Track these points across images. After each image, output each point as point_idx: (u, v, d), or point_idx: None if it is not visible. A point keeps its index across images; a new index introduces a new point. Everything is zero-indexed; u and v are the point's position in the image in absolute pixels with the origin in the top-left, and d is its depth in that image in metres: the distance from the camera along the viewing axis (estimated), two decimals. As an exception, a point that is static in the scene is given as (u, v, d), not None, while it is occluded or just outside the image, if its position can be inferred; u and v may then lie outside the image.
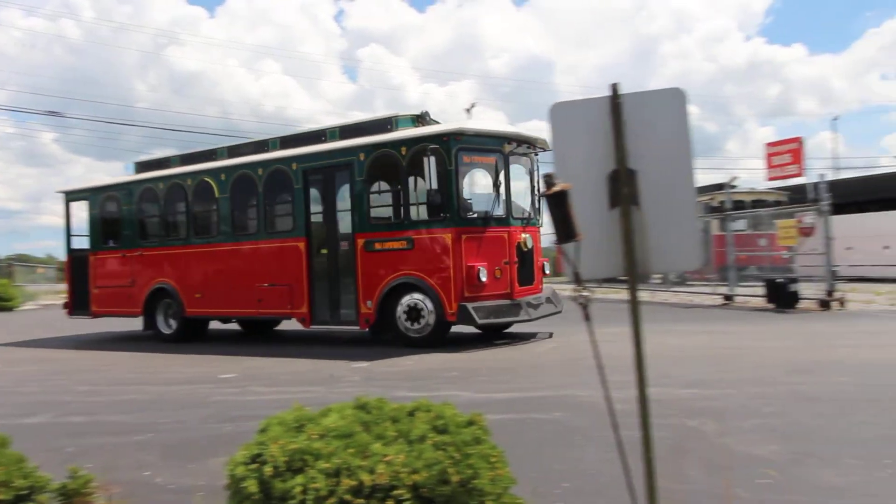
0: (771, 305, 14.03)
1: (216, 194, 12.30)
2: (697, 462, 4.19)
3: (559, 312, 10.83)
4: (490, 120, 11.31)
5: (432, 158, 9.55)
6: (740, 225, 17.83)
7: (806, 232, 14.12)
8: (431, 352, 9.55)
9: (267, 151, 12.23)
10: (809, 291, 13.78)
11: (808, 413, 5.37)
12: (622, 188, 2.64)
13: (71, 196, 14.74)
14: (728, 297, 15.86)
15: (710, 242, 18.14)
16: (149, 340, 13.01)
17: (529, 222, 10.81)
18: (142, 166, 14.35)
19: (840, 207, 17.13)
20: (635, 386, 2.67)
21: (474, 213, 10.16)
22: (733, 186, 17.99)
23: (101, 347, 12.53)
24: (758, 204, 21.05)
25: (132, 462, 4.76)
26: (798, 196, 18.39)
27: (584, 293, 2.58)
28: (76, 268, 14.37)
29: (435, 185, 9.60)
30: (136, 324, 13.88)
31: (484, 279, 9.74)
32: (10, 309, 24.08)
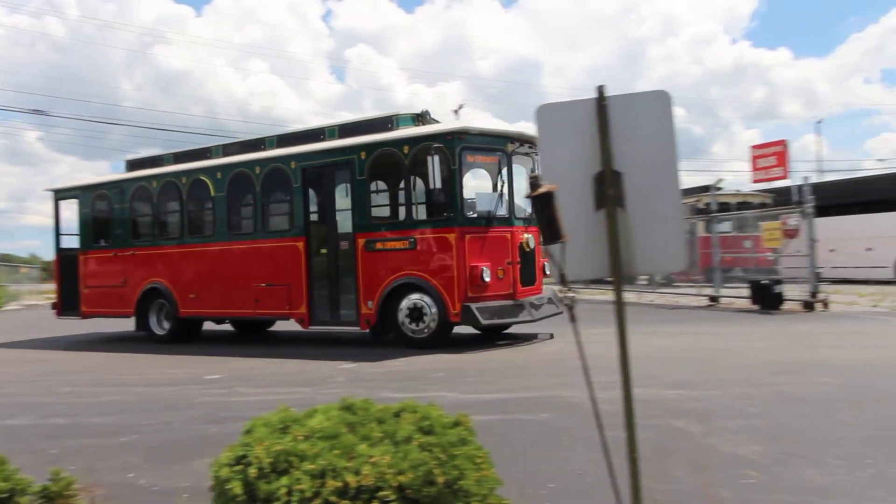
0: (756, 307, 14.14)
1: (212, 193, 12.13)
2: (682, 462, 4.21)
3: (561, 313, 10.74)
4: (488, 120, 11.23)
5: (436, 157, 9.47)
6: (726, 227, 17.94)
7: (790, 234, 14.24)
8: (427, 352, 9.51)
9: (263, 150, 12.08)
10: (793, 293, 13.90)
11: (792, 413, 5.41)
12: (608, 190, 2.65)
13: (60, 194, 14.49)
14: (713, 299, 15.97)
15: (696, 244, 18.25)
16: (135, 341, 12.91)
17: (531, 222, 10.78)
18: (133, 164, 14.11)
19: (824, 210, 17.28)
20: (621, 387, 2.69)
21: (477, 212, 10.09)
22: (719, 188, 18.12)
23: (86, 348, 12.41)
24: (743, 206, 21.21)
25: (116, 464, 4.72)
26: (783, 198, 18.55)
27: (570, 294, 2.59)
28: (65, 267, 14.13)
29: (438, 185, 9.54)
30: (123, 325, 13.80)
31: (487, 279, 9.68)
32: (-8, 309, 23.81)
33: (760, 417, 5.28)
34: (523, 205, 10.72)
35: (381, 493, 2.32)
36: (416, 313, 9.96)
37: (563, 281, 2.59)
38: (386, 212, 11.38)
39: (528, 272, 10.46)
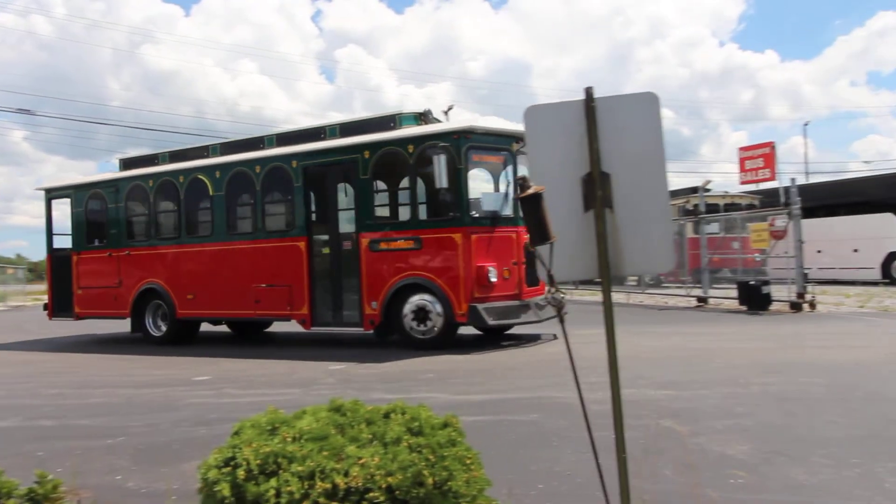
0: (743, 307, 14.23)
1: (210, 192, 11.94)
2: (671, 462, 4.23)
3: (567, 313, 10.61)
4: (494, 119, 11.12)
5: (442, 157, 9.36)
6: (714, 228, 18.03)
7: (778, 235, 14.33)
8: (420, 353, 9.48)
9: (262, 149, 11.90)
10: (781, 293, 13.99)
11: (780, 413, 5.45)
12: (596, 191, 2.66)
13: (52, 193, 14.20)
14: (702, 300, 16.05)
15: (685, 245, 18.34)
16: (126, 343, 12.83)
17: None
18: (127, 163, 13.84)
19: (811, 211, 17.44)
20: (609, 387, 2.70)
21: (483, 212, 10.00)
22: (707, 190, 18.23)
23: (74, 350, 12.31)
24: (731, 207, 21.32)
25: (103, 466, 4.69)
26: (770, 200, 18.67)
27: (558, 295, 2.60)
28: (58, 268, 13.89)
29: (444, 184, 9.43)
30: (115, 326, 13.65)
31: (494, 280, 9.61)
32: (-22, 311, 23.58)
33: (748, 417, 5.32)
34: None
35: (370, 495, 2.32)
36: (422, 314, 9.86)
37: (551, 282, 2.60)
38: (390, 211, 11.22)
39: (533, 272, 10.43)
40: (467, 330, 10.74)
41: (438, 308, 9.76)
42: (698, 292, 16.40)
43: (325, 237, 11.03)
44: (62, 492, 3.40)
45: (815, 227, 18.91)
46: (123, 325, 13.19)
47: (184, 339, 12.43)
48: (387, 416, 2.72)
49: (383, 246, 10.22)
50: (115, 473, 4.51)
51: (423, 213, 10.26)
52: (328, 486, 2.34)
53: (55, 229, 14.23)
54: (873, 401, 5.82)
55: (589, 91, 2.68)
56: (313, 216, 11.18)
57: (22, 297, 30.84)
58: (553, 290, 2.61)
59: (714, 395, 6.13)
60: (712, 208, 19.62)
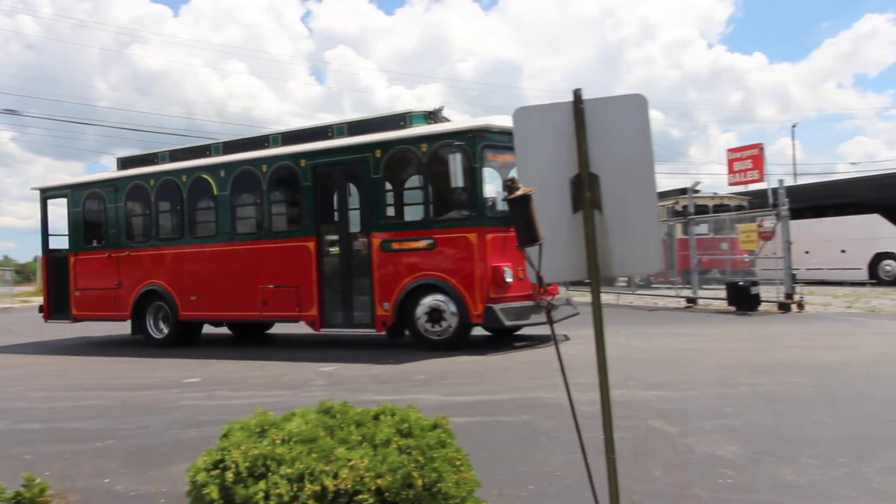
0: (732, 308, 14.30)
1: (215, 192, 11.71)
2: (660, 462, 4.24)
3: (577, 314, 10.46)
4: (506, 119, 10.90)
5: (457, 156, 9.25)
6: (703, 229, 18.13)
7: (766, 236, 14.41)
8: (414, 355, 9.47)
9: (267, 147, 11.70)
10: (769, 294, 14.08)
11: (768, 413, 5.48)
12: (585, 192, 2.67)
13: (48, 193, 13.86)
14: (691, 300, 16.12)
15: (674, 246, 18.43)
16: (119, 345, 12.76)
17: None
18: (126, 163, 13.52)
19: (799, 212, 17.54)
20: (598, 388, 2.71)
21: (498, 212, 9.84)
22: (696, 191, 18.31)
23: (65, 353, 12.21)
24: (720, 208, 21.45)
25: (91, 469, 4.66)
26: (759, 201, 18.78)
27: (542, 302, 2.61)
28: (54, 269, 13.57)
29: (459, 183, 9.33)
30: (107, 329, 13.53)
31: (509, 280, 9.51)
32: (-36, 313, 23.39)
33: (737, 417, 5.35)
34: None
35: (359, 497, 2.32)
36: (436, 315, 9.76)
37: (539, 283, 2.60)
38: (402, 211, 11.08)
39: None
40: (477, 331, 10.65)
41: (453, 308, 9.65)
42: (688, 293, 16.47)
43: (335, 237, 10.89)
44: (50, 495, 3.38)
45: (804, 228, 19.03)
46: (119, 328, 13.04)
47: (186, 341, 12.19)
48: (376, 417, 2.72)
49: (395, 246, 10.08)
50: (104, 476, 4.48)
51: (436, 212, 10.08)
52: (317, 488, 2.34)
53: (51, 230, 13.88)
54: (861, 401, 5.86)
55: (577, 93, 2.69)
56: (323, 216, 11.01)
57: (9, 299, 30.60)
58: (542, 294, 2.61)
59: (703, 396, 6.16)
60: (701, 209, 19.73)
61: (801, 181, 34.38)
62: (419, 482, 2.37)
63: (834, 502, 3.58)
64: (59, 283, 13.45)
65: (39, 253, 14.04)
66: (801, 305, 13.70)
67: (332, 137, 11.13)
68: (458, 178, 9.30)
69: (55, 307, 13.58)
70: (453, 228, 9.73)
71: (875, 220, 20.41)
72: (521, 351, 9.81)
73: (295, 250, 10.89)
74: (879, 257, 20.52)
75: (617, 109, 2.69)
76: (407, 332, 10.22)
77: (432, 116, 10.86)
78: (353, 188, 10.97)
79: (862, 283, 20.43)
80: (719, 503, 3.58)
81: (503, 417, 5.65)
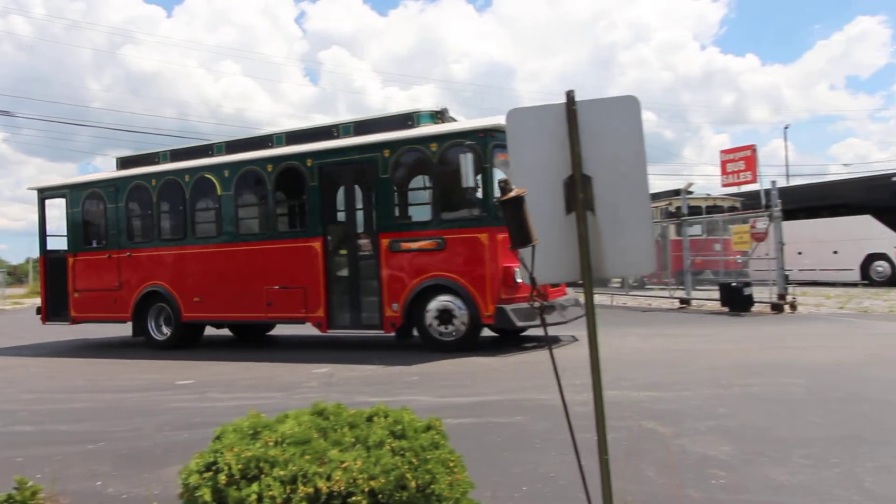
0: (725, 309, 14.34)
1: (219, 192, 11.57)
2: (653, 463, 4.25)
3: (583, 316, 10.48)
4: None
5: (468, 156, 9.15)
6: (696, 230, 18.20)
7: (759, 237, 14.47)
8: (408, 356, 9.48)
9: (271, 147, 11.59)
10: (762, 295, 14.13)
11: (761, 414, 5.50)
12: (578, 194, 2.67)
13: (46, 193, 13.64)
14: (684, 301, 16.17)
15: (668, 247, 18.49)
16: (115, 347, 12.69)
17: None
18: (125, 162, 13.39)
19: (791, 213, 17.63)
20: (592, 389, 2.71)
21: None
22: (689, 192, 18.39)
23: (55, 354, 12.15)
24: (713, 210, 21.53)
25: (83, 472, 4.63)
26: (751, 202, 18.87)
27: (535, 304, 2.61)
28: (52, 271, 13.37)
29: (471, 183, 9.25)
30: (104, 330, 13.44)
31: (520, 280, 9.41)
32: (-45, 315, 23.25)
33: (730, 418, 5.36)
34: None
35: (352, 499, 2.32)
36: (446, 315, 9.73)
37: (532, 284, 2.60)
38: (411, 211, 10.97)
39: None
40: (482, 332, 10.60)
41: (463, 309, 9.63)
42: (681, 294, 16.52)
43: (342, 238, 10.80)
44: (41, 498, 3.36)
45: (796, 229, 19.14)
46: (116, 330, 12.90)
47: (188, 343, 12.07)
48: (370, 419, 2.72)
49: (404, 246, 10.03)
50: (96, 479, 4.46)
51: (445, 212, 10.02)
52: (310, 490, 2.33)
53: (49, 230, 13.64)
54: (853, 401, 5.88)
55: (570, 94, 2.69)
56: (329, 216, 10.94)
57: (0, 301, 30.44)
58: (534, 297, 2.61)
59: (696, 397, 6.18)
60: (695, 210, 19.81)
61: (794, 182, 34.62)
62: (412, 484, 2.37)
63: (826, 502, 3.60)
64: (57, 285, 13.26)
65: (31, 254, 14.01)
66: (793, 306, 13.76)
67: (337, 137, 11.07)
68: (468, 178, 9.21)
69: (53, 309, 13.41)
70: (464, 229, 9.69)
71: (867, 222, 20.52)
72: (530, 352, 9.79)
73: (301, 251, 10.81)
74: (871, 258, 20.64)
75: (610, 111, 2.70)
76: (416, 333, 10.18)
77: (439, 116, 10.84)
78: (360, 188, 10.92)
79: (854, 284, 20.55)
80: (712, 503, 3.60)
81: (497, 419, 5.65)
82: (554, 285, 10.13)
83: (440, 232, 9.85)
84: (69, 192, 13.30)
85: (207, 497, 2.39)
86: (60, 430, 6.05)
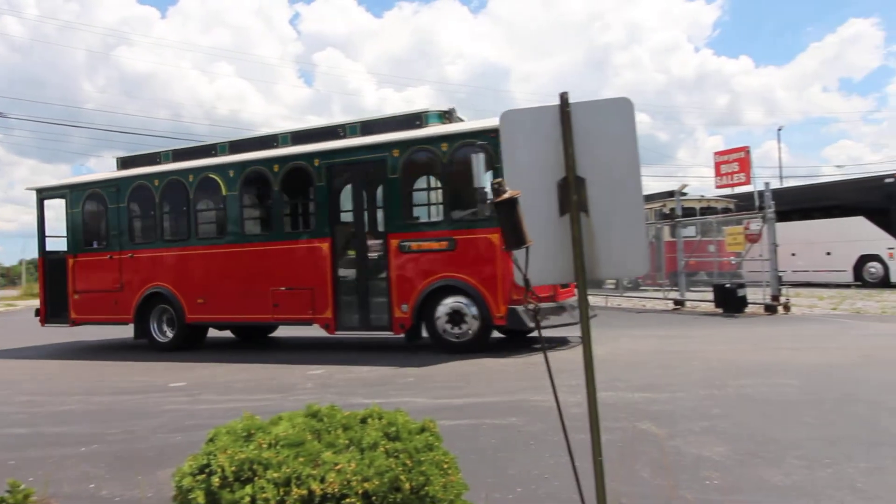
0: (719, 310, 14.39)
1: (223, 192, 11.45)
2: (647, 464, 4.26)
3: (595, 316, 10.27)
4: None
5: (480, 155, 9.06)
6: (690, 231, 18.26)
7: (752, 238, 14.52)
8: (404, 357, 9.48)
9: (276, 147, 11.50)
10: (756, 296, 14.18)
11: (755, 415, 5.51)
12: (571, 195, 2.68)
13: (45, 193, 13.45)
14: (678, 302, 16.21)
15: (662, 249, 18.53)
16: (113, 349, 12.64)
17: None
18: (126, 162, 13.23)
19: (785, 215, 17.70)
20: (585, 390, 2.71)
21: None
22: (683, 194, 18.42)
23: (50, 357, 12.09)
24: (707, 211, 21.61)
25: (76, 474, 4.62)
26: (745, 203, 18.92)
27: (530, 306, 2.61)
28: (51, 272, 13.19)
29: (482, 183, 9.16)
30: (103, 332, 13.35)
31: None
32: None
33: (724, 419, 5.37)
34: None
35: (346, 501, 2.31)
36: (457, 317, 9.70)
37: (526, 286, 2.61)
38: (420, 212, 10.95)
39: None
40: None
41: (474, 310, 9.60)
42: (675, 295, 16.56)
43: (350, 238, 10.73)
44: (34, 501, 3.35)
45: (789, 231, 19.21)
46: (115, 332, 12.79)
47: (192, 344, 11.97)
48: (364, 421, 2.71)
49: (414, 247, 9.98)
50: (89, 482, 4.45)
51: (456, 213, 9.95)
52: (304, 492, 2.33)
53: (48, 231, 13.49)
54: (846, 402, 5.91)
55: (564, 96, 2.70)
56: (337, 216, 10.88)
57: (-6, 302, 30.30)
58: (530, 297, 2.61)
59: (691, 398, 6.19)
60: (688, 212, 19.86)
61: (787, 184, 34.70)
62: (406, 486, 2.37)
63: (819, 503, 3.61)
64: (56, 286, 13.09)
65: (24, 256, 13.86)
66: (787, 307, 13.81)
67: (343, 137, 11.00)
68: (480, 178, 9.13)
69: (52, 311, 13.25)
70: (474, 229, 9.63)
71: (860, 223, 20.62)
72: (537, 354, 9.77)
73: (308, 251, 10.74)
74: (864, 259, 20.73)
75: (603, 113, 2.70)
76: (425, 335, 10.15)
77: (447, 116, 10.80)
78: (369, 188, 10.85)
79: (847, 285, 20.63)
80: (706, 504, 3.60)
81: (491, 420, 5.65)
82: (563, 286, 10.06)
83: (450, 232, 9.80)
84: (69, 192, 13.15)
85: (201, 499, 2.38)
86: (54, 433, 6.02)
